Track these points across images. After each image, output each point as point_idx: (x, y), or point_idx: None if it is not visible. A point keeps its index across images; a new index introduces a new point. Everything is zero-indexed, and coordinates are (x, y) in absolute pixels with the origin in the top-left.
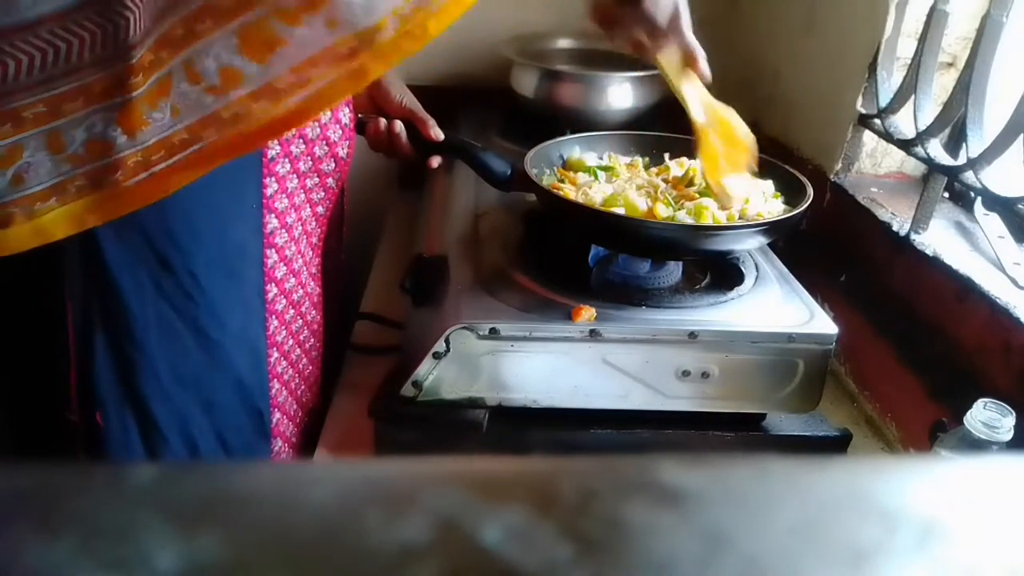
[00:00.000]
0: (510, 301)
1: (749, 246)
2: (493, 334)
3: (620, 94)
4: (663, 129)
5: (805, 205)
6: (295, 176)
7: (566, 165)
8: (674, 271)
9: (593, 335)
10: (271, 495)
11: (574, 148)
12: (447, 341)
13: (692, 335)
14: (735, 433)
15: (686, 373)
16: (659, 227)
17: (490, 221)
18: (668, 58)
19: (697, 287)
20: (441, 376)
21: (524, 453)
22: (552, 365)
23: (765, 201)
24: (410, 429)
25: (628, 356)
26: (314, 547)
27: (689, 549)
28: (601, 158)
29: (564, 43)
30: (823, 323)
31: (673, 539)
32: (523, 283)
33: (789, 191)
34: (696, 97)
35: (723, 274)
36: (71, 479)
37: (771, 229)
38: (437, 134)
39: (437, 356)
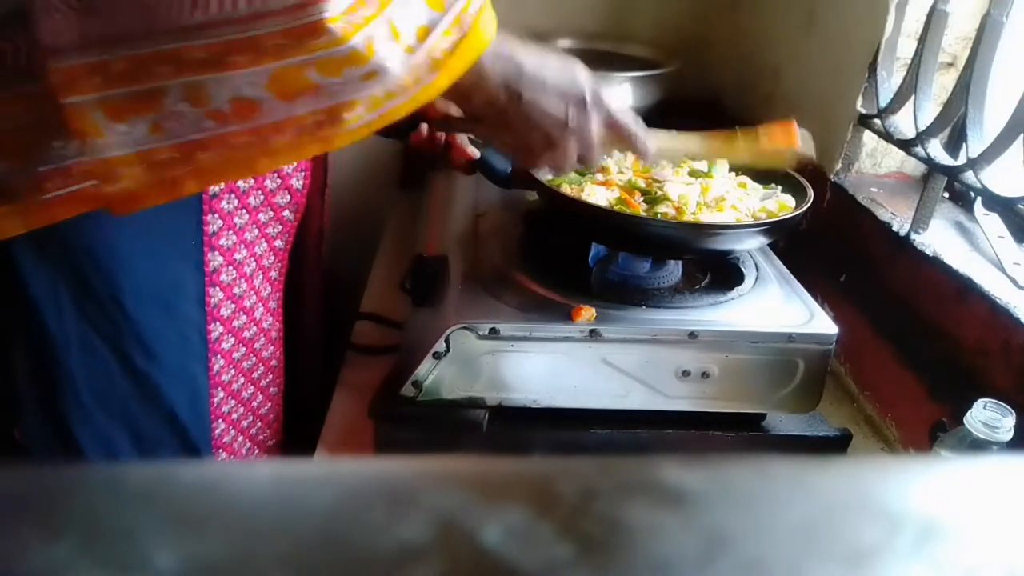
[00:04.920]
0: (510, 301)
1: (750, 246)
2: (493, 334)
3: (620, 94)
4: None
5: (806, 206)
6: (245, 212)
7: None
8: (674, 271)
9: (593, 335)
10: (271, 495)
11: None
12: (447, 341)
13: (692, 335)
14: (735, 433)
15: (686, 373)
16: (660, 225)
17: (490, 221)
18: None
19: (697, 287)
20: (441, 376)
21: (524, 453)
22: (552, 365)
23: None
24: (410, 429)
25: (628, 356)
26: (314, 547)
27: (689, 549)
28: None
29: (564, 43)
30: (823, 323)
31: (673, 539)
32: (523, 283)
33: (789, 192)
34: (669, 143)
35: (723, 274)
36: (71, 479)
37: (772, 229)
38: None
39: (437, 356)
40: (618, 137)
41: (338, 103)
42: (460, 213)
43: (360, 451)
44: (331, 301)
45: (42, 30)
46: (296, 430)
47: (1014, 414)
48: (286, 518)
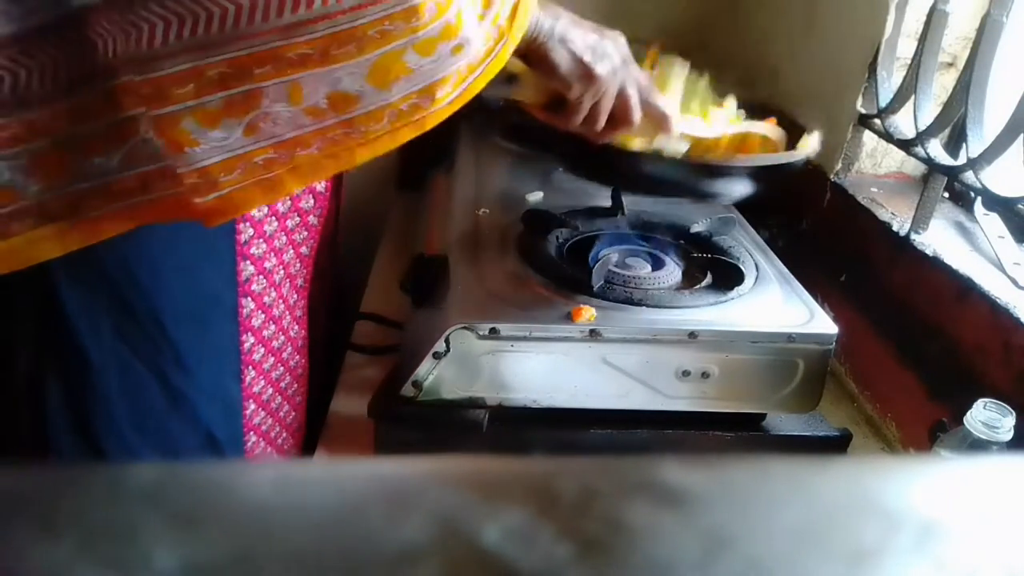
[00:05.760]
0: (510, 301)
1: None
2: (493, 334)
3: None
4: None
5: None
6: (274, 219)
7: None
8: (674, 271)
9: (593, 335)
10: (271, 495)
11: None
12: (447, 341)
13: (692, 335)
14: (735, 433)
15: (686, 373)
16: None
17: (490, 221)
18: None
19: (697, 287)
20: (441, 376)
21: (524, 453)
22: (552, 365)
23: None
24: (410, 429)
25: (628, 356)
26: (313, 547)
27: (689, 550)
28: None
29: None
30: (823, 323)
31: (673, 540)
32: (523, 283)
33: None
34: (683, 128)
35: (723, 274)
36: (71, 479)
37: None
38: None
39: (437, 356)
40: (647, 103)
41: (431, 83)
42: (460, 213)
43: (360, 451)
44: (332, 301)
45: (124, 41)
46: None
47: (1014, 414)
48: (286, 518)
